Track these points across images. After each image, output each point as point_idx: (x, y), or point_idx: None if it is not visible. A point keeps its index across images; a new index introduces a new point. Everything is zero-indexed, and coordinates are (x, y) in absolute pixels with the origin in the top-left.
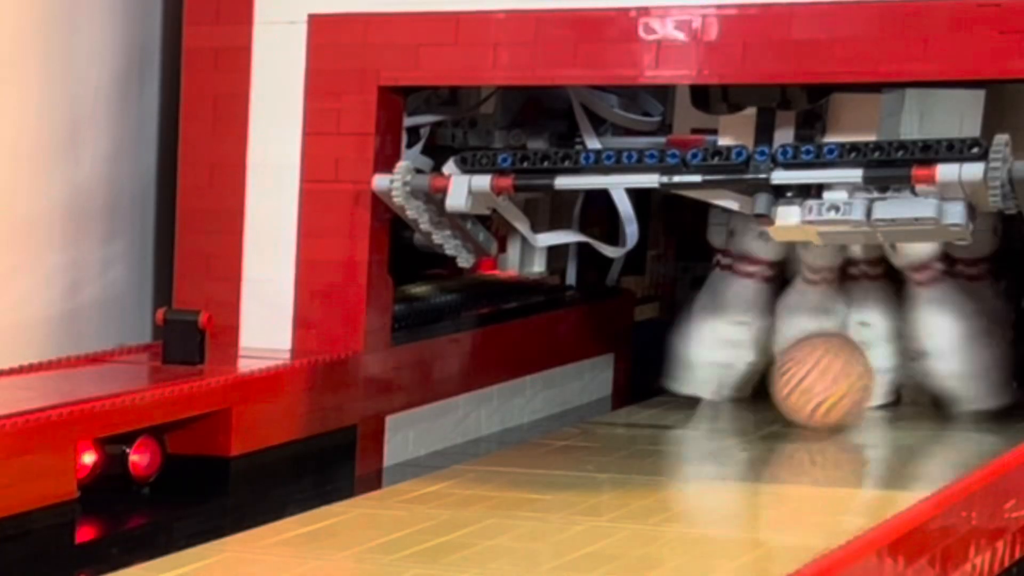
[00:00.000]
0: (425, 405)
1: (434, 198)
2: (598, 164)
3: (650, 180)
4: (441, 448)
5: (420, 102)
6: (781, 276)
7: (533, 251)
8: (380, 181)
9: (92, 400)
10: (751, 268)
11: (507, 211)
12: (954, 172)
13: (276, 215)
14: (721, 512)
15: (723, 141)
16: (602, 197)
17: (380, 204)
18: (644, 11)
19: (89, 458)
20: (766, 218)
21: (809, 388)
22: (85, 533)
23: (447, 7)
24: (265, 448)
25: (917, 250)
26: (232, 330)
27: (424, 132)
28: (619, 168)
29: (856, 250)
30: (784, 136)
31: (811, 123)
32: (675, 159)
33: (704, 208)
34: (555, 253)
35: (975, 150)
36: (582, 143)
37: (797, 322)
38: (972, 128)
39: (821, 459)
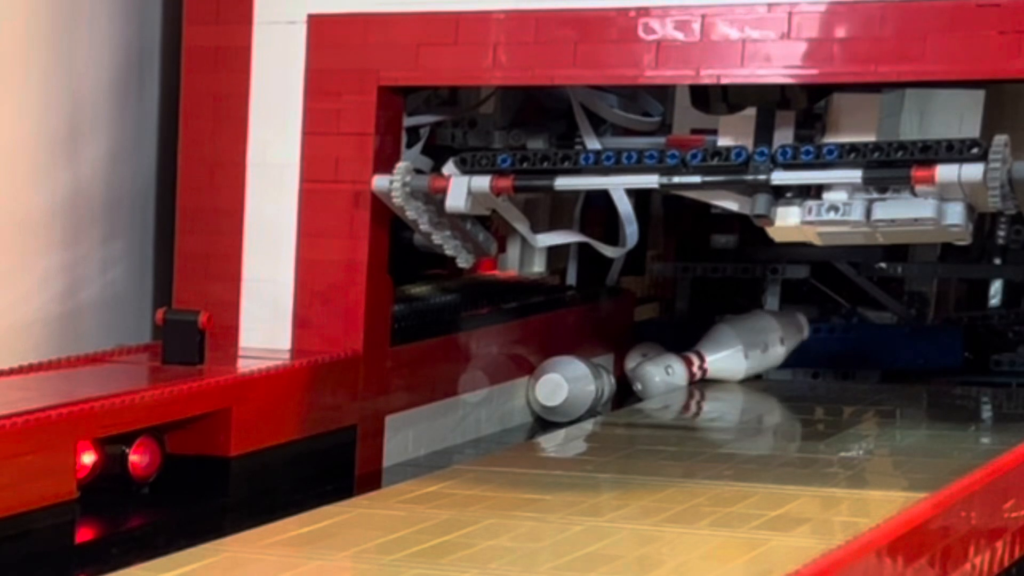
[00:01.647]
0: (425, 405)
1: (434, 198)
2: (598, 164)
3: (650, 180)
4: (441, 448)
5: (420, 102)
6: None
7: (533, 251)
8: (380, 181)
9: (92, 400)
10: None
11: (507, 211)
12: (953, 173)
13: (276, 215)
14: (721, 512)
15: (723, 141)
16: (602, 197)
17: (380, 204)
18: (644, 11)
19: (89, 458)
20: (765, 219)
21: None
22: (85, 533)
23: (447, 7)
24: (265, 448)
25: None
26: (232, 330)
27: (424, 132)
28: (619, 168)
29: None
30: (784, 136)
31: (811, 123)
32: (675, 159)
33: (704, 208)
34: (555, 253)
35: (974, 151)
36: (582, 143)
37: None
38: (971, 128)
39: (821, 459)
